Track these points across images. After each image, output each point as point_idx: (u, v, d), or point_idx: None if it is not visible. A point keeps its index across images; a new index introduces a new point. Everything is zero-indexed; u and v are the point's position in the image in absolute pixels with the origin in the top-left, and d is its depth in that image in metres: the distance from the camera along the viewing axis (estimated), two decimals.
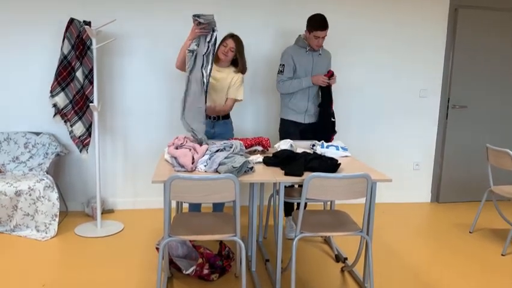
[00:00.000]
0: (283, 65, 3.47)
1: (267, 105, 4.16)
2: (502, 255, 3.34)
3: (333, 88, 3.53)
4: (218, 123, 3.36)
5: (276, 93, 4.06)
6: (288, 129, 3.56)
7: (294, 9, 4.03)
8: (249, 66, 3.97)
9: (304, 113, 3.53)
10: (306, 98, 3.50)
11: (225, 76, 3.30)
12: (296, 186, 3.41)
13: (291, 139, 3.16)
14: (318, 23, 3.31)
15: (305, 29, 3.42)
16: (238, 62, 3.32)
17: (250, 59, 3.98)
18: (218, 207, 3.47)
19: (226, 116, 3.41)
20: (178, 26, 3.90)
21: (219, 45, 3.26)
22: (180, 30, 3.90)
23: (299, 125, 3.56)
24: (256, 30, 4.01)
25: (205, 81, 2.96)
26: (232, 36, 3.26)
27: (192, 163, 2.50)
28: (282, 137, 3.58)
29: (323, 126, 3.56)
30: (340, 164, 2.59)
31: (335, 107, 4.24)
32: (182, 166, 2.50)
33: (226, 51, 3.25)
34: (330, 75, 3.46)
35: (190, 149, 2.60)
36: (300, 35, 3.55)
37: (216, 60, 3.30)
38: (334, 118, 3.61)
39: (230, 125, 3.44)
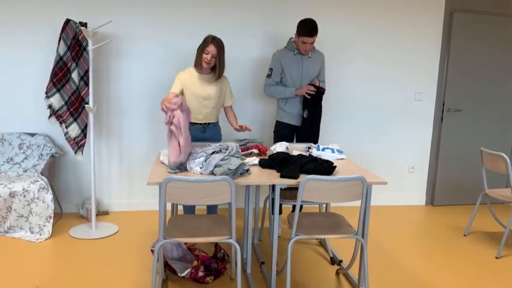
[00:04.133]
0: (272, 69, 3.50)
1: (258, 109, 4.14)
2: (496, 258, 3.35)
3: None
4: (208, 127, 3.33)
5: (265, 97, 4.07)
6: (283, 131, 3.60)
7: (287, 14, 4.02)
8: (238, 70, 3.96)
9: (298, 116, 3.56)
10: (298, 101, 3.52)
11: (218, 87, 3.25)
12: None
13: (286, 141, 3.17)
14: (306, 29, 3.28)
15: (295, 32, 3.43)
16: (216, 67, 3.15)
17: (239, 63, 3.99)
18: (212, 208, 3.46)
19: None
20: (175, 28, 3.90)
21: (200, 51, 3.12)
22: (177, 32, 3.91)
23: (293, 127, 3.59)
24: (246, 34, 3.99)
25: None
26: (212, 40, 3.08)
27: (180, 152, 2.48)
28: (277, 139, 3.60)
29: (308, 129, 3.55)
30: (336, 166, 2.59)
31: (332, 110, 4.27)
32: (174, 162, 2.49)
33: (209, 60, 3.11)
34: (317, 85, 3.48)
35: (176, 138, 2.52)
36: (291, 38, 3.56)
37: (199, 67, 3.20)
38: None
39: (219, 128, 3.43)
